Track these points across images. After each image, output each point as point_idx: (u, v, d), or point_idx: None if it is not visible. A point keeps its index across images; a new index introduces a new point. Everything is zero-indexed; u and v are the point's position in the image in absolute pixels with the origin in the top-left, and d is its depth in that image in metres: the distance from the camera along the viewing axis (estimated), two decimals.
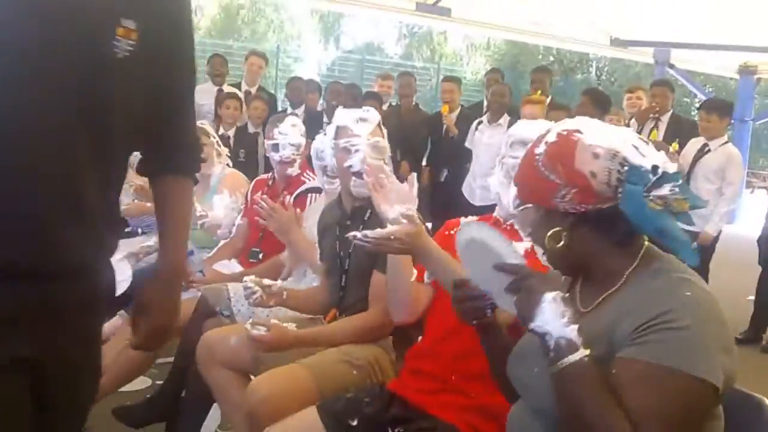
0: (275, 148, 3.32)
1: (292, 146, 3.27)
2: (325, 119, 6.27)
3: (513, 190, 1.38)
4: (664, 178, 1.28)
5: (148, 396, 2.96)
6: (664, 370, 1.17)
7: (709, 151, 5.20)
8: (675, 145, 5.20)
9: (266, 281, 2.42)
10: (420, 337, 2.14)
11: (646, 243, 1.35)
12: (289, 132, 3.28)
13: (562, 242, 1.32)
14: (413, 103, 6.75)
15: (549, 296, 1.23)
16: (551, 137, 1.35)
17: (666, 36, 10.18)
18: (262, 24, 26.28)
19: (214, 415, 2.63)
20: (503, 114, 5.80)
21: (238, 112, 5.74)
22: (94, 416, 2.91)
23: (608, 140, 1.30)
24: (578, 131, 1.32)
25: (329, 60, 24.91)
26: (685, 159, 5.19)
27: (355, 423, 1.92)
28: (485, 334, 1.53)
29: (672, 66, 10.64)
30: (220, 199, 3.54)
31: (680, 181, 1.29)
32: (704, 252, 4.74)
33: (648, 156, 1.29)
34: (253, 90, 6.54)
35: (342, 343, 2.27)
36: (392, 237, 1.80)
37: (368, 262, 2.27)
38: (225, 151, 3.80)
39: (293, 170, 3.32)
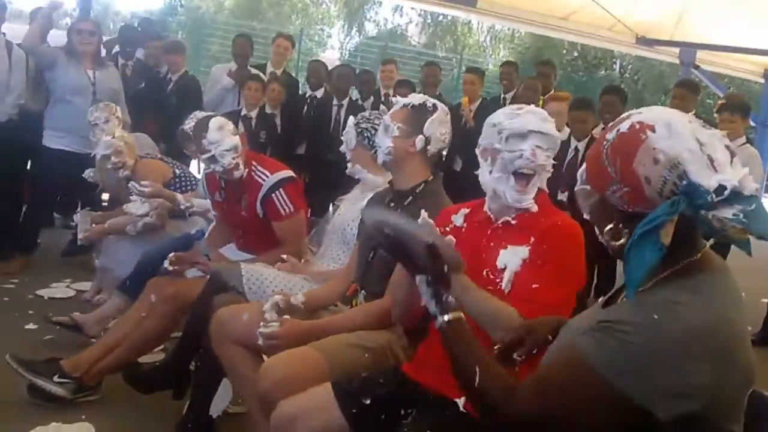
0: (213, 160, 3.04)
1: (228, 152, 3.02)
2: (334, 101, 6.28)
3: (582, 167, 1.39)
4: (732, 199, 1.18)
5: (157, 363, 3.02)
6: (584, 367, 1.21)
7: None
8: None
9: (285, 301, 2.42)
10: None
11: (699, 255, 1.28)
12: (218, 138, 3.03)
13: (621, 240, 1.29)
14: (437, 93, 6.74)
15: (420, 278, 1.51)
16: (624, 126, 1.29)
17: (692, 37, 10.07)
18: (286, 7, 26.23)
19: (225, 390, 2.67)
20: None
21: (259, 93, 5.77)
22: (108, 385, 3.03)
23: (677, 147, 1.21)
24: (652, 129, 1.24)
25: (352, 46, 24.88)
26: None
27: (368, 402, 1.95)
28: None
29: (697, 67, 10.52)
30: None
31: (753, 206, 1.17)
32: (719, 254, 4.71)
33: (722, 171, 1.20)
34: (279, 72, 6.56)
35: (356, 329, 2.30)
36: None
37: None
38: None
39: (239, 172, 3.09)
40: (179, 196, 3.61)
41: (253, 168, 3.13)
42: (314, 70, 6.72)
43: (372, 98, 6.57)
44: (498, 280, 1.93)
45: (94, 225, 4.01)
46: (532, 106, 2.08)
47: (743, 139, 5.31)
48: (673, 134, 1.23)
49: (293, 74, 8.09)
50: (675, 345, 1.16)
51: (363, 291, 2.46)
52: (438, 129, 2.42)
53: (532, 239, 1.94)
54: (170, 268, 3.05)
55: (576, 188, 1.39)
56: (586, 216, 1.41)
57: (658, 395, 1.17)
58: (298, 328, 2.25)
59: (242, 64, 6.21)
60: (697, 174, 1.19)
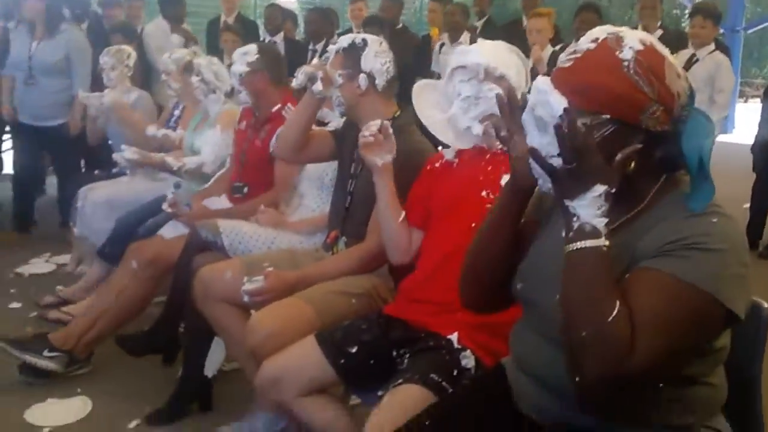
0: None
1: (233, 75, 3.15)
2: (311, 46, 6.14)
3: (559, 98, 1.20)
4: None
5: (146, 328, 3.00)
6: (685, 286, 1.15)
7: (697, 60, 5.15)
8: None
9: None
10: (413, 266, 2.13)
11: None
12: (236, 59, 3.16)
13: (631, 166, 1.23)
14: (399, 26, 6.60)
15: (600, 188, 1.17)
16: (634, 44, 1.22)
17: None
18: None
19: (218, 349, 2.65)
20: (462, 32, 5.88)
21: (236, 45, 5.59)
22: (99, 353, 3.01)
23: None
24: (658, 48, 1.24)
25: None
26: None
27: (354, 350, 1.93)
28: (514, 197, 1.42)
29: None
30: (210, 136, 3.49)
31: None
32: None
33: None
34: (231, 19, 6.37)
35: (340, 276, 2.27)
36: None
37: (372, 189, 2.22)
38: (216, 86, 3.66)
39: (243, 99, 3.20)
40: (168, 159, 3.48)
41: (287, 108, 3.14)
42: (271, 17, 6.54)
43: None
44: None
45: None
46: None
47: (712, 46, 5.27)
48: (671, 56, 1.25)
49: (253, 19, 7.88)
50: (739, 242, 1.22)
51: (344, 237, 2.43)
52: (376, 61, 2.37)
53: None
54: (169, 210, 3.04)
55: (573, 123, 1.18)
56: (575, 154, 1.19)
57: (740, 292, 1.19)
58: (283, 279, 2.22)
59: (178, 21, 5.96)
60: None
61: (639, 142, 1.22)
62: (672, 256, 1.18)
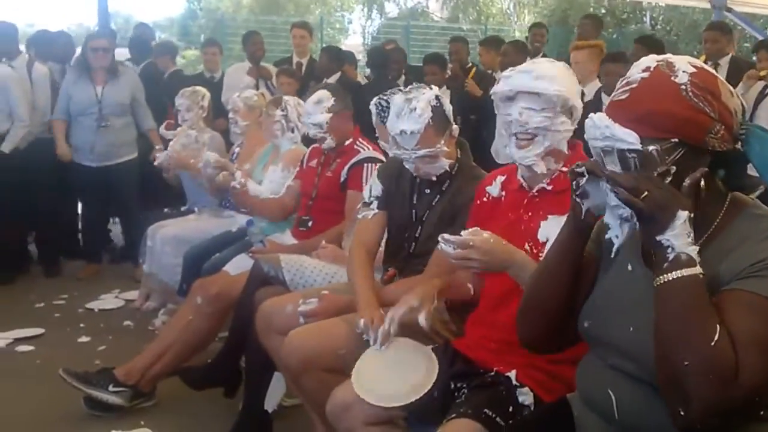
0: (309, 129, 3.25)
1: (314, 126, 3.13)
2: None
3: (625, 131, 1.21)
4: None
5: (209, 361, 3.02)
6: None
7: None
8: (763, 72, 4.99)
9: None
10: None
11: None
12: (311, 112, 3.14)
13: (702, 188, 1.23)
14: (468, 65, 6.69)
15: (683, 215, 1.18)
16: (686, 67, 1.24)
17: None
18: None
19: (279, 384, 2.65)
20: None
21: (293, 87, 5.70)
22: (163, 390, 3.05)
23: None
24: (710, 70, 1.27)
25: (374, 28, 24.73)
26: (747, 104, 4.98)
27: None
28: (577, 235, 1.39)
29: (729, 9, 10.19)
30: (272, 171, 3.54)
31: None
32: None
33: None
34: (304, 61, 6.53)
35: (393, 304, 2.24)
36: (471, 243, 1.71)
37: (440, 231, 2.20)
38: (296, 126, 3.70)
39: (327, 144, 3.16)
40: (238, 173, 3.49)
41: (358, 141, 3.18)
42: (320, 58, 6.65)
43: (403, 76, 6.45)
44: (541, 255, 1.77)
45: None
46: (529, 62, 1.90)
47: None
48: (721, 78, 1.28)
49: None
50: None
51: (400, 278, 2.41)
52: (449, 108, 2.31)
53: None
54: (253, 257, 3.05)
55: (644, 147, 1.22)
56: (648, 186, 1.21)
57: None
58: (335, 302, 2.21)
59: (256, 60, 6.15)
60: None
61: (706, 163, 1.24)
62: (757, 276, 1.17)
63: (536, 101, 1.81)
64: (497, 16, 25.41)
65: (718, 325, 1.13)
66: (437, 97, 2.26)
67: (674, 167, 1.22)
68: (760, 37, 11.95)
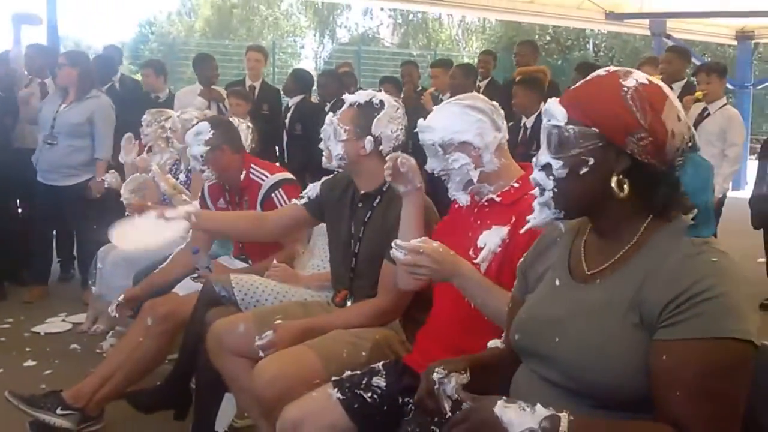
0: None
1: (193, 157, 3.14)
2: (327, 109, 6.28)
3: (558, 108, 1.30)
4: None
5: (158, 383, 2.99)
6: (710, 342, 1.15)
7: (708, 114, 5.20)
8: (699, 94, 5.21)
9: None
10: (426, 319, 2.13)
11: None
12: (190, 143, 3.14)
13: (623, 193, 1.26)
14: (417, 89, 6.96)
15: (498, 408, 1.17)
16: (641, 78, 1.28)
17: (660, 6, 10.11)
18: (256, 21, 26.23)
19: (229, 405, 2.64)
20: (472, 91, 6.01)
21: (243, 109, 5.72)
22: (110, 410, 3.00)
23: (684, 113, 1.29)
24: (664, 89, 1.29)
25: (326, 53, 24.88)
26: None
27: (368, 395, 1.95)
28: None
29: (669, 36, 10.57)
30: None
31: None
32: None
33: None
34: (257, 84, 6.57)
35: (349, 328, 2.28)
36: (421, 251, 1.73)
37: (379, 249, 2.27)
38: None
39: (206, 176, 3.18)
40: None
41: (251, 170, 3.15)
42: (287, 80, 6.76)
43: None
44: (476, 259, 1.88)
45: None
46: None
47: (723, 101, 5.34)
48: (676, 101, 1.30)
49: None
50: (738, 276, 1.21)
51: (352, 297, 2.45)
52: (388, 127, 2.34)
53: (513, 219, 1.88)
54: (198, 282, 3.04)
55: (555, 127, 1.30)
56: (560, 165, 1.31)
57: (755, 325, 1.19)
58: (291, 329, 2.24)
59: (207, 83, 6.16)
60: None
61: (624, 166, 1.26)
62: (683, 320, 1.18)
63: (429, 150, 1.99)
64: (446, 42, 25.85)
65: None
66: None
67: (592, 159, 1.26)
68: (699, 62, 12.42)
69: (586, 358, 1.26)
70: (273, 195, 3.09)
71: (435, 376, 1.42)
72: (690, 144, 1.28)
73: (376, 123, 2.34)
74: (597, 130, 1.26)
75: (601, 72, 1.33)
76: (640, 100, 1.25)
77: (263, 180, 3.14)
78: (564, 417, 1.16)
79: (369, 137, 2.34)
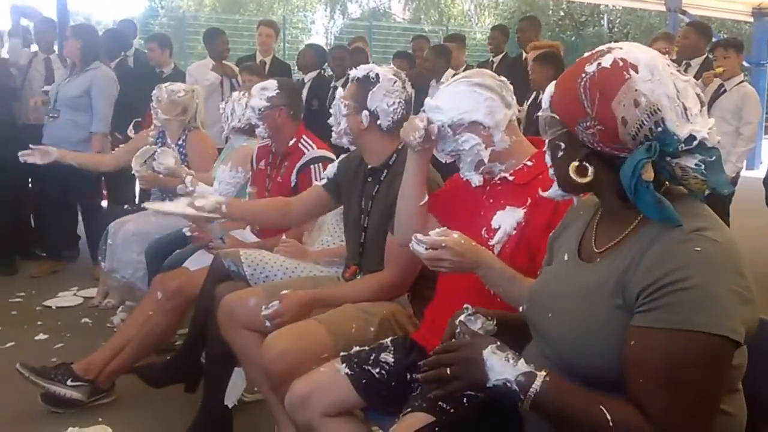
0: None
1: (251, 108, 3.16)
2: (333, 83, 6.24)
3: (547, 92, 1.34)
4: (697, 150, 1.20)
5: (168, 357, 3.01)
6: (677, 333, 1.14)
7: (725, 91, 5.11)
8: (719, 69, 5.09)
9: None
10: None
11: (667, 183, 1.27)
12: (254, 95, 3.19)
13: (587, 178, 1.27)
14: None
15: (487, 351, 1.25)
16: (607, 61, 1.23)
17: None
18: None
19: (239, 379, 2.65)
20: (444, 71, 6.06)
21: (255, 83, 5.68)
22: (122, 386, 3.02)
23: (658, 92, 1.20)
24: (635, 69, 1.21)
25: (336, 29, 24.73)
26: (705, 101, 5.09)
27: (377, 371, 1.94)
28: None
29: (684, 12, 10.42)
30: (221, 171, 3.53)
31: (713, 158, 1.20)
32: (724, 195, 4.66)
33: (694, 121, 1.21)
34: (268, 60, 6.52)
35: (357, 302, 2.27)
36: (443, 244, 1.68)
37: (385, 223, 2.25)
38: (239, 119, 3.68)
39: (259, 132, 3.20)
40: (188, 178, 3.43)
41: (302, 140, 3.18)
42: (300, 55, 6.74)
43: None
44: (491, 241, 1.85)
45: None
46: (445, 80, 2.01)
47: (740, 77, 5.24)
48: (656, 78, 1.21)
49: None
50: (727, 265, 1.17)
51: (361, 273, 2.43)
52: (384, 101, 2.31)
53: (529, 201, 1.84)
54: (189, 234, 3.10)
55: (540, 113, 1.35)
56: (546, 148, 1.37)
57: (737, 319, 1.15)
58: (297, 300, 2.23)
59: (218, 58, 6.12)
60: (672, 122, 1.20)
61: (582, 154, 1.27)
62: (655, 308, 1.16)
63: (439, 130, 1.91)
64: (458, 18, 25.62)
65: (602, 406, 1.17)
66: None
67: (563, 143, 1.30)
68: (715, 39, 12.24)
69: (571, 337, 1.28)
70: (312, 166, 3.08)
71: (462, 315, 1.50)
72: (659, 128, 1.20)
73: (371, 97, 2.32)
74: (558, 117, 1.30)
75: (586, 54, 1.31)
76: (591, 88, 1.23)
77: (308, 150, 3.15)
78: (540, 376, 1.22)
79: (365, 111, 2.33)
